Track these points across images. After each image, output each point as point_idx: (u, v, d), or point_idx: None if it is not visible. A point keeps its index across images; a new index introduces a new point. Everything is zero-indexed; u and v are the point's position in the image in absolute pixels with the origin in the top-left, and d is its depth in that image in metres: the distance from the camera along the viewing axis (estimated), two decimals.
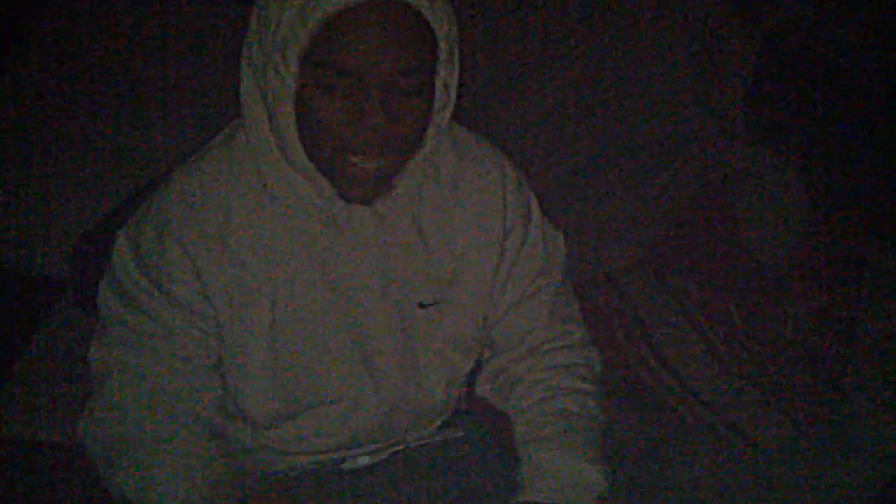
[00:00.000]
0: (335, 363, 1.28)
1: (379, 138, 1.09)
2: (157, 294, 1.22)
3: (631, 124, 2.10)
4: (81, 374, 1.71)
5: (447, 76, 1.14)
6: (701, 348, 1.86)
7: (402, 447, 1.40)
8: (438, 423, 1.42)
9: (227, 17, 2.02)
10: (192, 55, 2.09)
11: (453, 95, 1.16)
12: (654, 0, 2.08)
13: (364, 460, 1.39)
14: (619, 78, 2.10)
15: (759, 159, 1.98)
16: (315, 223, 1.22)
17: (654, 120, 2.09)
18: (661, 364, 1.85)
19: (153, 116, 2.07)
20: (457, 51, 1.14)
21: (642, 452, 1.71)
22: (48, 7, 2.09)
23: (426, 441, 1.41)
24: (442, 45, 1.11)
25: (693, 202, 2.02)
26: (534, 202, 1.34)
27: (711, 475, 1.67)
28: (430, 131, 1.16)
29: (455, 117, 1.22)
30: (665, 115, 2.08)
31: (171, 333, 1.23)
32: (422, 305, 1.29)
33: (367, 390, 1.30)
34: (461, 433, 1.44)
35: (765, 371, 1.82)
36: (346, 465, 1.39)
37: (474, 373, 1.40)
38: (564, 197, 2.06)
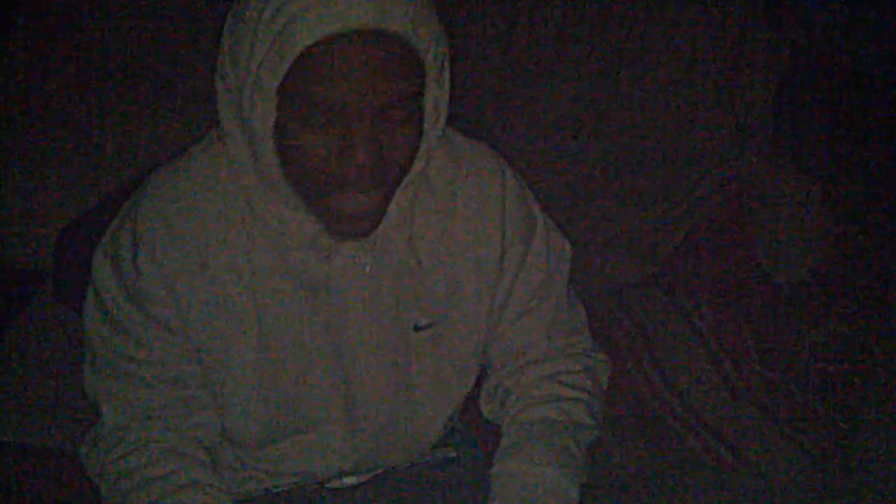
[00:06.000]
0: (320, 391, 1.25)
1: (366, 173, 1.05)
2: (138, 315, 1.19)
3: (647, 133, 2.07)
4: (56, 371, 1.70)
5: (437, 95, 1.09)
6: (711, 373, 1.83)
7: (391, 467, 1.37)
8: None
9: (220, 10, 1.98)
10: (181, 47, 2.08)
11: (444, 113, 1.12)
12: (677, 4, 2.06)
13: (350, 479, 1.36)
14: (636, 84, 2.07)
15: (780, 173, 1.98)
16: (301, 250, 1.17)
17: (672, 129, 2.07)
18: (668, 388, 1.82)
19: (140, 109, 2.05)
20: (447, 67, 1.09)
21: (644, 481, 1.69)
22: None
23: (416, 461, 1.38)
24: (429, 66, 1.06)
25: (709, 216, 2.01)
26: (538, 213, 1.30)
27: None
28: (421, 148, 1.12)
29: (461, 118, 1.16)
30: (684, 124, 2.07)
31: (157, 358, 1.21)
32: (417, 328, 1.25)
33: (352, 419, 1.28)
34: (454, 453, 1.41)
35: (778, 399, 1.80)
36: (330, 484, 1.35)
37: (472, 395, 1.37)
38: (573, 206, 2.04)
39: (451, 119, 1.20)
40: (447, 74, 1.09)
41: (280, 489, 1.34)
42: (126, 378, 1.21)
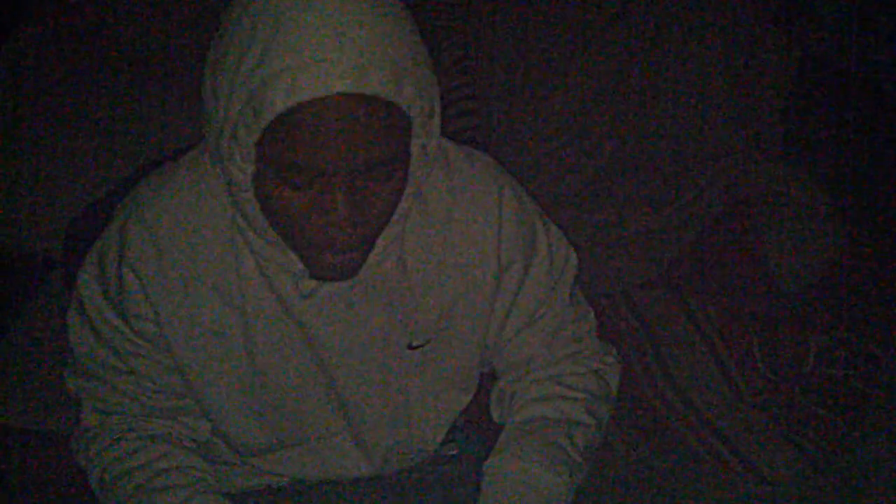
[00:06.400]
0: (315, 407, 1.25)
1: (346, 232, 1.01)
2: (122, 328, 1.17)
3: (658, 134, 2.06)
4: (65, 358, 1.71)
5: (424, 140, 1.04)
6: (715, 375, 1.83)
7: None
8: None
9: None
10: (193, 30, 2.07)
11: (433, 156, 1.07)
12: (689, 7, 2.04)
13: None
14: (647, 87, 2.06)
15: (790, 179, 1.97)
16: (287, 285, 1.15)
17: (682, 132, 2.05)
18: (672, 389, 1.82)
19: (152, 93, 2.04)
20: (437, 113, 1.04)
21: (646, 481, 1.69)
22: None
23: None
24: (416, 118, 1.01)
25: (718, 220, 2.01)
26: (540, 228, 1.26)
27: None
28: (407, 189, 1.07)
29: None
30: (695, 126, 2.05)
31: (141, 370, 1.20)
32: (412, 347, 1.23)
33: (356, 431, 1.27)
34: (455, 451, 1.41)
35: (781, 403, 1.80)
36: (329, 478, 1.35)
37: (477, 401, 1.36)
38: (583, 206, 2.03)
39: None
40: (437, 119, 1.04)
41: (280, 484, 1.33)
42: (109, 387, 1.21)
